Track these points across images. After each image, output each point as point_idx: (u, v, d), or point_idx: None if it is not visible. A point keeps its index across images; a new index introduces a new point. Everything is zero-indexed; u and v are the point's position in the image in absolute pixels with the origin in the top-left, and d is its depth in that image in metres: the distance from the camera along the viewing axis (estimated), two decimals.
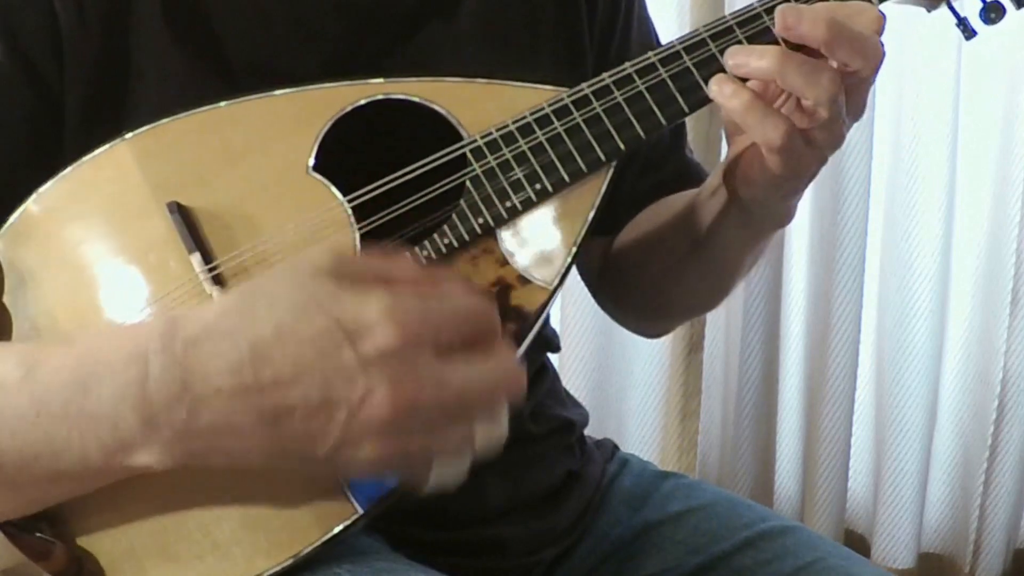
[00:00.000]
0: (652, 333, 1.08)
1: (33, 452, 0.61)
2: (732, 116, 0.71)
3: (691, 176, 0.96)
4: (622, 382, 1.80)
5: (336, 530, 0.66)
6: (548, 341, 0.97)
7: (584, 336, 1.72)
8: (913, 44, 1.69)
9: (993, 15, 0.77)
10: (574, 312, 1.71)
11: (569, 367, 1.72)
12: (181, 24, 0.75)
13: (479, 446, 0.62)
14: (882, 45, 0.70)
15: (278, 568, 0.66)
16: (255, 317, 0.59)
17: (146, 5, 0.74)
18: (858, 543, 1.91)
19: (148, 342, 0.60)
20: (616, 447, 1.02)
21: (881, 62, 0.70)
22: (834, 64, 0.69)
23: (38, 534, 0.66)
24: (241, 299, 0.61)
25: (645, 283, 0.94)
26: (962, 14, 0.78)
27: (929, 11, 0.80)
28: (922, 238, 1.75)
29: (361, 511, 0.66)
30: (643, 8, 0.96)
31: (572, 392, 1.02)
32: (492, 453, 0.62)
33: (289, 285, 0.60)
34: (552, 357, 1.00)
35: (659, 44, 0.96)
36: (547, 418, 0.93)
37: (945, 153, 1.72)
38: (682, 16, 1.65)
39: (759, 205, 0.79)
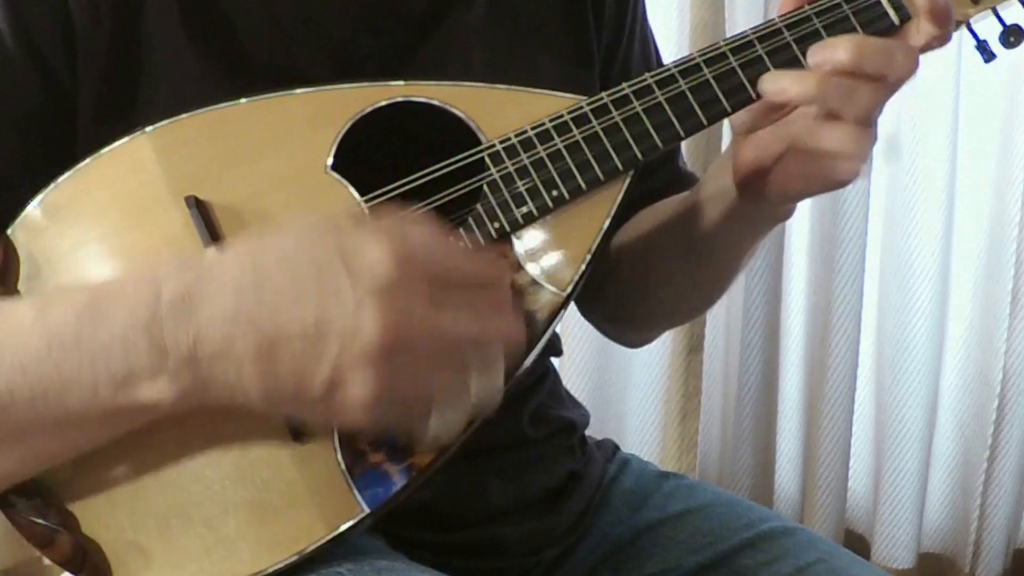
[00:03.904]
0: (635, 341, 1.07)
1: (43, 387, 0.61)
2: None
3: (683, 184, 0.96)
4: (622, 382, 1.80)
5: (342, 528, 0.66)
6: (551, 345, 0.97)
7: (585, 337, 1.72)
8: None
9: (1012, 38, 0.77)
10: (575, 313, 1.70)
11: (570, 368, 1.72)
12: (195, 20, 0.75)
13: (475, 398, 0.62)
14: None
15: (282, 565, 0.66)
16: (263, 247, 0.61)
17: (160, 1, 0.75)
18: (858, 543, 1.91)
19: (163, 271, 0.61)
20: (617, 447, 1.02)
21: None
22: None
23: (43, 521, 0.66)
24: (255, 236, 0.63)
25: (634, 286, 0.94)
26: (981, 36, 0.78)
27: None
28: (922, 238, 1.75)
29: (368, 510, 0.66)
30: (645, 21, 0.96)
31: (573, 393, 1.02)
32: (488, 408, 0.63)
33: (300, 223, 0.62)
34: (552, 358, 0.99)
35: (659, 57, 0.97)
36: (548, 419, 0.93)
37: (945, 153, 1.72)
38: (682, 15, 1.65)
39: (772, 207, 0.79)
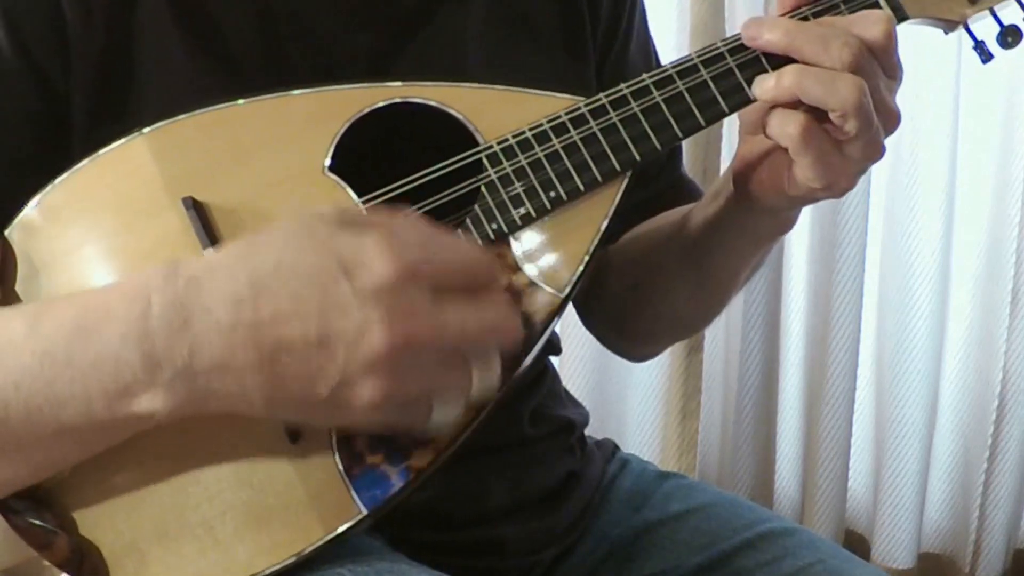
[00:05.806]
0: (638, 356, 1.07)
1: (37, 403, 0.61)
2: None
3: (685, 192, 0.96)
4: (622, 382, 1.80)
5: (340, 530, 0.66)
6: (550, 344, 0.97)
7: (585, 336, 1.70)
8: (913, 45, 1.69)
9: (1010, 39, 0.77)
10: (575, 312, 1.70)
11: (569, 367, 1.72)
12: (186, 20, 0.75)
13: (474, 390, 0.62)
14: (855, 38, 0.71)
15: (280, 566, 0.66)
16: (256, 254, 0.60)
17: (151, 2, 0.75)
18: (858, 543, 1.91)
19: (151, 281, 0.60)
20: (616, 447, 1.02)
21: (863, 55, 0.71)
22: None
23: (41, 523, 0.66)
24: (245, 241, 0.62)
25: (634, 299, 0.94)
26: (979, 37, 0.78)
27: (947, 33, 0.79)
28: (922, 238, 1.76)
29: (365, 512, 0.66)
30: (644, 20, 0.96)
31: (572, 392, 1.02)
32: (485, 398, 0.63)
33: (292, 226, 0.61)
34: (552, 358, 0.99)
35: (657, 57, 0.97)
36: (547, 419, 0.93)
37: (945, 153, 1.72)
38: (682, 15, 1.64)
39: (770, 212, 0.79)
